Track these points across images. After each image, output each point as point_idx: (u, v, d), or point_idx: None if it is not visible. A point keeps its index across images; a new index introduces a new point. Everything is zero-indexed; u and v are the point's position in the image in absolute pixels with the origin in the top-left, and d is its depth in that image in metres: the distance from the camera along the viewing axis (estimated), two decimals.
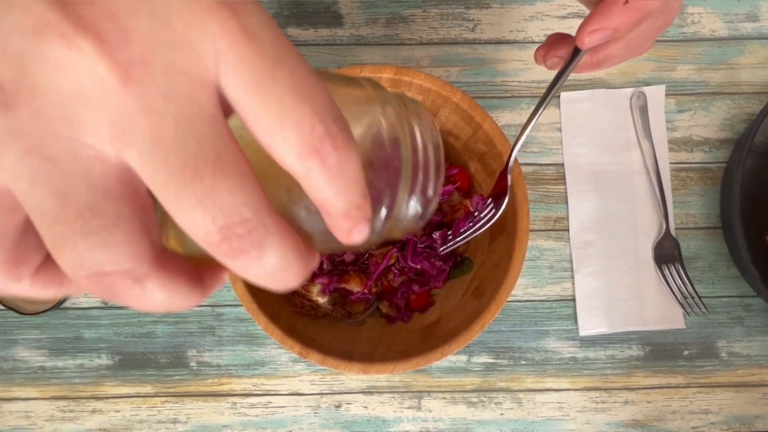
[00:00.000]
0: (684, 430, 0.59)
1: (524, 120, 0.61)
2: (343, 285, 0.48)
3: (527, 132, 0.40)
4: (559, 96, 0.61)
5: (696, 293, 0.59)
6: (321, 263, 0.49)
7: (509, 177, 0.43)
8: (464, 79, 0.61)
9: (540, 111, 0.39)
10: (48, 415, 0.59)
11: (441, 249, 0.49)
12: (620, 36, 0.33)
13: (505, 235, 0.47)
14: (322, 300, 0.49)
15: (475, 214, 0.47)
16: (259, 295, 0.47)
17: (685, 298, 0.59)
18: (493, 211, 0.45)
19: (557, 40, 0.38)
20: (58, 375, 0.59)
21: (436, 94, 0.46)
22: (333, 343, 0.48)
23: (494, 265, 0.47)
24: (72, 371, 0.59)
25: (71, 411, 0.59)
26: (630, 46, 0.34)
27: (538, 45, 0.61)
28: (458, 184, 0.50)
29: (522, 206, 0.45)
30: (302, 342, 0.46)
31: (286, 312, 0.50)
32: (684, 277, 0.59)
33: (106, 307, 0.60)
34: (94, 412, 0.59)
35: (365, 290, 0.48)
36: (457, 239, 0.49)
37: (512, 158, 0.42)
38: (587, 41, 0.33)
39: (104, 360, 0.59)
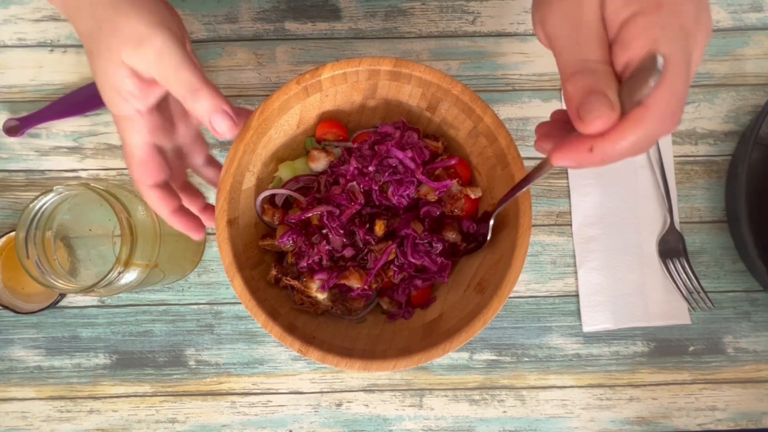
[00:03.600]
0: (690, 427, 0.59)
1: (525, 114, 0.60)
2: (342, 281, 0.47)
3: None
4: (561, 89, 0.60)
5: (701, 288, 0.58)
6: (320, 259, 0.48)
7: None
8: (464, 72, 0.60)
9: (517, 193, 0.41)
10: (45, 416, 0.58)
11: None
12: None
13: (508, 231, 0.46)
14: (321, 296, 0.48)
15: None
16: (257, 291, 0.47)
17: (690, 293, 0.58)
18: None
19: (549, 131, 0.34)
20: (55, 375, 0.58)
21: (436, 86, 0.46)
22: (333, 340, 0.47)
23: (496, 260, 0.46)
24: (69, 371, 0.58)
25: (68, 411, 0.58)
26: (635, 149, 0.28)
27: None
28: (458, 179, 0.49)
29: (524, 201, 0.44)
30: (302, 339, 0.45)
31: (285, 309, 0.49)
32: (689, 271, 0.58)
33: (102, 306, 0.59)
34: (91, 412, 0.58)
35: (365, 286, 0.47)
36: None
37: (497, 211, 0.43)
38: (556, 160, 0.30)
39: (101, 359, 0.58)
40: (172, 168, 0.43)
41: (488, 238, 0.48)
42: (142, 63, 0.36)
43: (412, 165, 0.47)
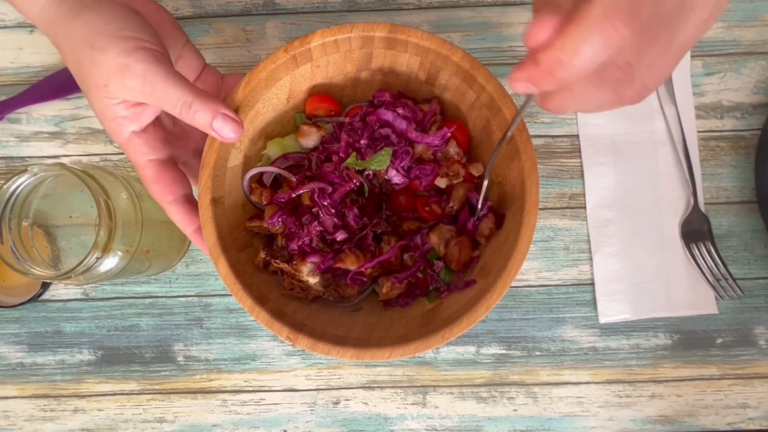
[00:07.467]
0: (719, 426, 0.54)
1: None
2: (338, 264, 0.44)
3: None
4: None
5: (729, 274, 0.53)
6: (311, 240, 0.44)
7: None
8: (468, 45, 0.56)
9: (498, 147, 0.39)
10: (28, 415, 0.55)
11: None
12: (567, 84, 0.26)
13: (513, 210, 0.42)
14: (313, 280, 0.45)
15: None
16: (243, 275, 0.43)
17: (717, 280, 0.54)
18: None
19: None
20: (38, 372, 0.55)
21: (435, 53, 0.42)
22: (325, 327, 0.44)
23: (501, 242, 0.42)
24: (52, 368, 0.55)
25: (52, 410, 0.55)
26: (587, 58, 0.25)
27: None
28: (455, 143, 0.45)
29: (531, 175, 0.40)
30: (291, 326, 0.42)
31: (274, 295, 0.45)
32: (716, 256, 0.54)
33: (86, 299, 0.56)
34: (76, 411, 0.55)
35: (362, 269, 0.43)
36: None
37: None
38: (514, 87, 0.27)
39: (86, 355, 0.55)
40: (196, 174, 0.44)
41: (480, 199, 0.44)
42: (130, 93, 0.36)
43: (403, 123, 0.43)
